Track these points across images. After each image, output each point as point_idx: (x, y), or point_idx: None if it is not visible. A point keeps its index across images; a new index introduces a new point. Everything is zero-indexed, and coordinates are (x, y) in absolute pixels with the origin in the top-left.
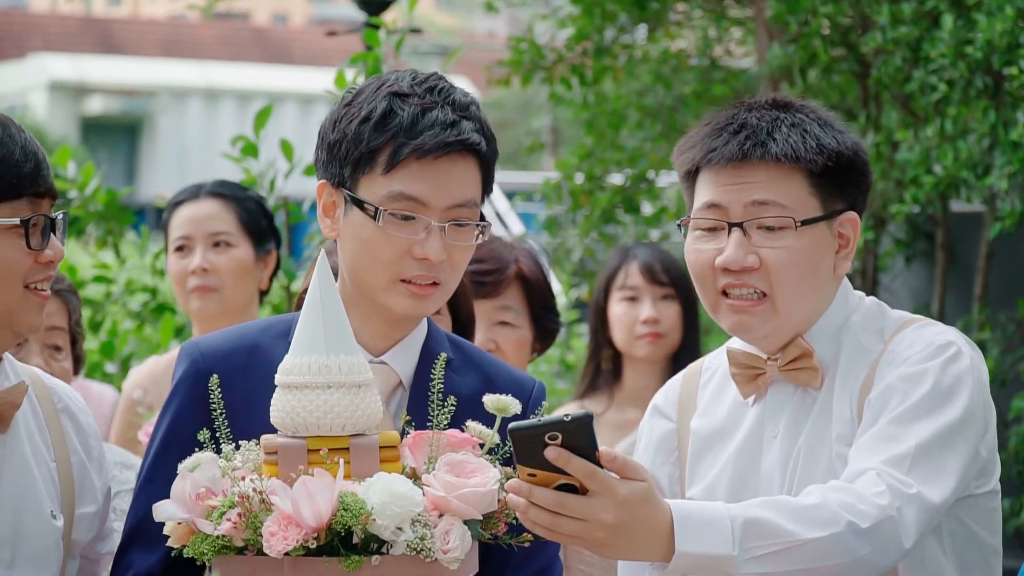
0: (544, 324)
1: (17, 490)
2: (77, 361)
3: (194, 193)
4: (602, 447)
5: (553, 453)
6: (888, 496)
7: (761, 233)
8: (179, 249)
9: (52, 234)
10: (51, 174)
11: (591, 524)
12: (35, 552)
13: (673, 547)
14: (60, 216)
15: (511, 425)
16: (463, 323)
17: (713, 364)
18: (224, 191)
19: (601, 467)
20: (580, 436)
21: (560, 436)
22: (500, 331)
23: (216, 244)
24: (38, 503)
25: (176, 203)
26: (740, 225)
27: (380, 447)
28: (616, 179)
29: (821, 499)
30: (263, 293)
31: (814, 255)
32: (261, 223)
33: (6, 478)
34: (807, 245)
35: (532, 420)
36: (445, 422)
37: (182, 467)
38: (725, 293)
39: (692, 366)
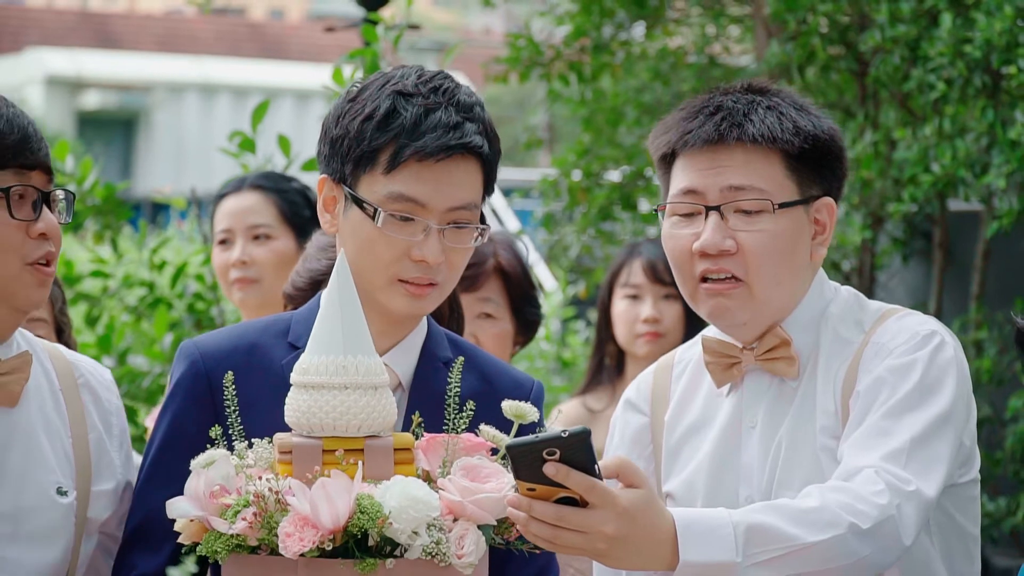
0: (525, 316)
1: (23, 465)
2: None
3: (237, 186)
4: (603, 461)
5: (552, 469)
6: (887, 495)
7: (738, 217)
8: (222, 242)
9: (48, 209)
10: (45, 149)
11: (592, 536)
12: (38, 528)
13: (677, 556)
14: (60, 193)
15: (508, 442)
16: (456, 316)
17: (686, 356)
18: (265, 183)
19: (600, 479)
20: (578, 451)
21: (558, 452)
22: (481, 324)
23: (256, 237)
24: (44, 479)
25: (221, 196)
26: (717, 209)
27: (394, 449)
28: (614, 176)
29: (821, 501)
30: None
31: (791, 239)
32: (303, 214)
33: (12, 453)
34: (784, 229)
35: (530, 437)
36: (463, 427)
37: (195, 464)
38: (704, 279)
39: (664, 359)
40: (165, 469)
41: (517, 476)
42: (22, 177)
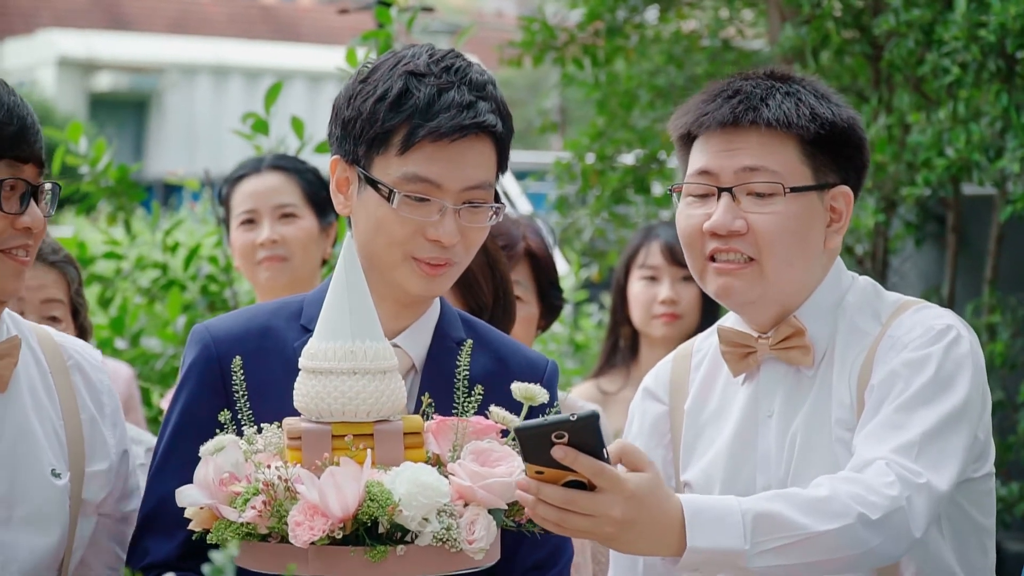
0: (550, 300)
1: (15, 449)
2: (83, 332)
3: (255, 167)
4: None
5: (560, 452)
6: (898, 486)
7: (751, 199)
8: (245, 223)
9: (35, 203)
10: (40, 142)
11: (600, 519)
12: (33, 511)
13: (684, 542)
14: (49, 186)
15: (517, 425)
16: (504, 304)
17: (704, 346)
18: (285, 164)
19: (608, 463)
20: (586, 434)
21: (567, 435)
22: None
23: (282, 216)
24: (37, 462)
25: (237, 178)
26: (730, 190)
27: (404, 433)
28: (627, 159)
29: (831, 491)
30: (324, 263)
31: (803, 224)
32: (322, 194)
33: (3, 437)
34: (796, 213)
35: (538, 420)
36: (472, 410)
37: (204, 450)
38: (713, 259)
39: (682, 347)
40: (178, 455)
41: (526, 459)
42: (15, 170)
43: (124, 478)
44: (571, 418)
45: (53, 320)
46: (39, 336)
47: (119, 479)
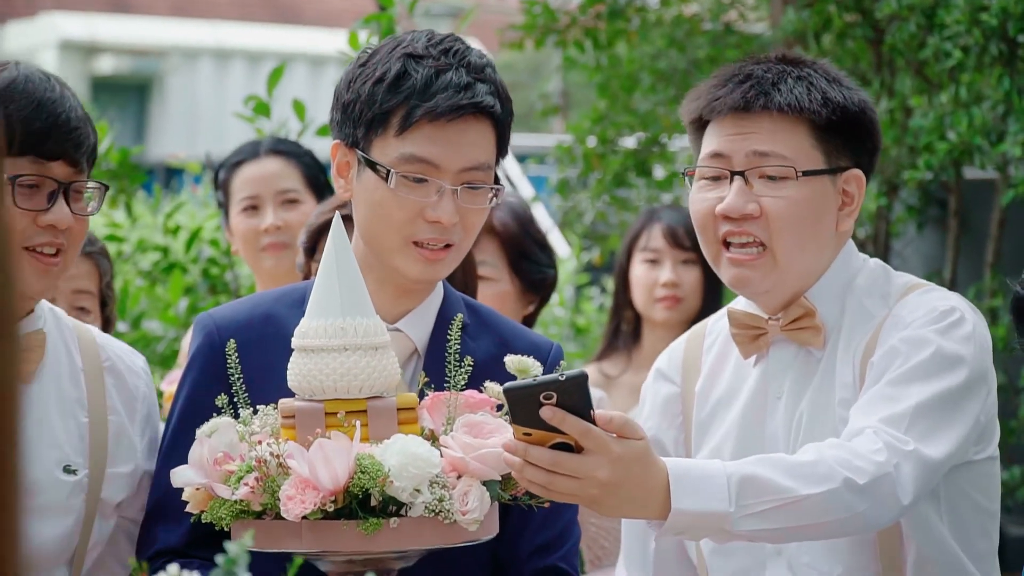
0: (528, 275)
1: (30, 441)
2: (107, 323)
3: (253, 152)
4: (599, 410)
5: (548, 412)
6: (885, 453)
7: (763, 182)
8: (247, 209)
9: (66, 201)
10: (75, 139)
11: (586, 482)
12: (40, 504)
13: (669, 504)
14: (91, 184)
15: (506, 385)
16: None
17: (716, 328)
18: (284, 148)
19: (595, 425)
20: (575, 395)
21: (555, 395)
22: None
23: (284, 202)
24: (50, 456)
25: (235, 163)
26: (742, 174)
27: (398, 409)
28: (628, 142)
29: (817, 456)
30: None
31: (815, 207)
32: (320, 178)
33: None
34: (808, 196)
35: (527, 379)
36: (463, 383)
37: (200, 432)
38: (726, 243)
39: (695, 328)
40: (184, 443)
41: (514, 420)
42: (39, 167)
43: (147, 488)
44: (560, 378)
45: (81, 311)
46: (80, 334)
47: (141, 487)
